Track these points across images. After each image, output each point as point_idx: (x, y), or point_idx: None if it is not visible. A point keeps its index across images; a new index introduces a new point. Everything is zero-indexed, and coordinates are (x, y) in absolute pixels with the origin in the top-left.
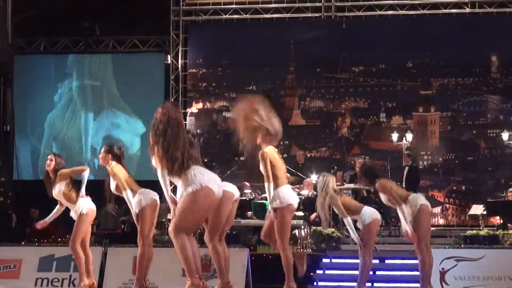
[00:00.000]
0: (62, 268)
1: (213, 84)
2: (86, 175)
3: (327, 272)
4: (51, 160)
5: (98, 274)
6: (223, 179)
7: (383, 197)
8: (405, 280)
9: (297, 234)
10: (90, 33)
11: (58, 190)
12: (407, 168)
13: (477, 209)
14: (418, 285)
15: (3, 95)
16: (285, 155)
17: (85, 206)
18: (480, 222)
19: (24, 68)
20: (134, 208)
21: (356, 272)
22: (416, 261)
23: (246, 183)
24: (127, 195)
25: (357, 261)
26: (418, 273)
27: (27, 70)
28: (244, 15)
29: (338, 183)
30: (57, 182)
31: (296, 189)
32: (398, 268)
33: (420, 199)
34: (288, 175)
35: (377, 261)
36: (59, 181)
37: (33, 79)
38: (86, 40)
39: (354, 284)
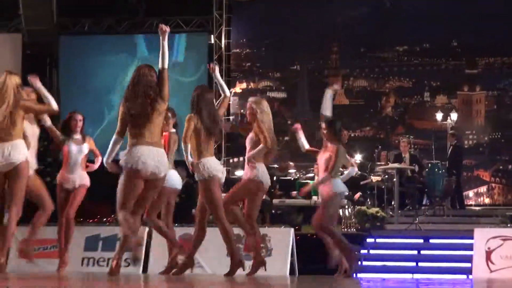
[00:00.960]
0: (108, 248)
1: (257, 64)
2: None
3: (371, 251)
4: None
5: (143, 254)
6: None
7: (324, 156)
8: (449, 260)
9: (341, 214)
10: (134, 13)
11: None
12: (451, 147)
13: None
14: (462, 264)
15: (49, 76)
16: None
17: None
18: None
19: (69, 48)
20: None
21: (402, 252)
22: (461, 241)
23: (291, 163)
24: None
25: (402, 240)
26: (462, 252)
27: (72, 50)
28: None
29: (383, 163)
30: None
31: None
32: (443, 248)
33: (339, 187)
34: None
35: (421, 241)
36: None
37: (78, 59)
38: (131, 20)
39: (399, 263)
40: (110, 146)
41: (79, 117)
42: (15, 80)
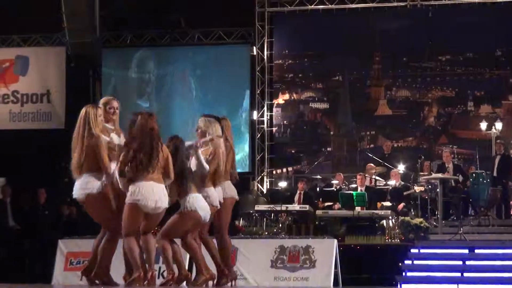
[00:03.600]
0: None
1: (300, 75)
2: None
3: (415, 262)
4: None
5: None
6: (310, 170)
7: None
8: (495, 270)
9: (385, 224)
10: (176, 26)
11: None
12: (499, 157)
13: None
14: (508, 274)
15: (92, 89)
16: (371, 145)
17: None
18: None
19: (112, 61)
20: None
21: (446, 262)
22: (507, 251)
23: (340, 174)
24: None
25: (447, 251)
26: (508, 262)
27: (114, 63)
28: (329, 5)
29: (426, 173)
30: None
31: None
32: (488, 258)
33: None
34: (372, 164)
35: (466, 251)
36: None
37: (120, 72)
38: (172, 33)
39: (444, 274)
40: None
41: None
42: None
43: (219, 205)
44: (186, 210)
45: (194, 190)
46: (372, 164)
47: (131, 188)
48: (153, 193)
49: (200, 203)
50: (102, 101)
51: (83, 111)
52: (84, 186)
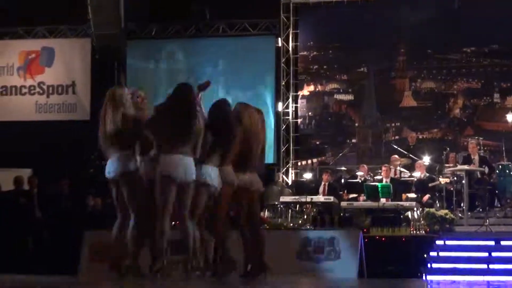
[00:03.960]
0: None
1: (324, 67)
2: None
3: (441, 254)
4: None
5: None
6: (335, 162)
7: None
8: None
9: (410, 216)
10: (201, 18)
11: None
12: None
13: None
14: None
15: (117, 81)
16: (396, 137)
17: None
18: None
19: (137, 53)
20: None
21: (472, 254)
22: None
23: (364, 166)
24: None
25: (473, 242)
26: None
27: (139, 55)
28: None
29: (451, 165)
30: None
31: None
32: None
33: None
34: (396, 156)
35: (492, 243)
36: None
37: (145, 64)
38: (197, 24)
39: (469, 265)
40: None
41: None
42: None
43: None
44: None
45: None
46: (396, 156)
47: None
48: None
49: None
50: (127, 91)
51: (109, 91)
52: (119, 164)
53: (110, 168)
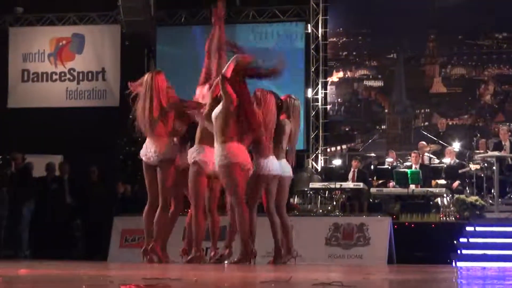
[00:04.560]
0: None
1: (354, 53)
2: None
3: (471, 240)
4: None
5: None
6: (364, 148)
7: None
8: None
9: (439, 202)
10: (231, 4)
11: None
12: None
13: None
14: None
15: (147, 67)
16: (426, 123)
17: None
18: None
19: (166, 39)
20: None
21: (502, 240)
22: None
23: (392, 152)
24: None
25: (503, 229)
26: None
27: (169, 42)
28: None
29: (481, 151)
30: None
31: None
32: None
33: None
34: (424, 142)
35: None
36: None
37: (174, 51)
38: (227, 10)
39: (500, 252)
40: None
41: None
42: (159, 77)
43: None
44: None
45: None
46: (423, 142)
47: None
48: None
49: None
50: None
51: (148, 76)
52: (160, 149)
53: (150, 153)
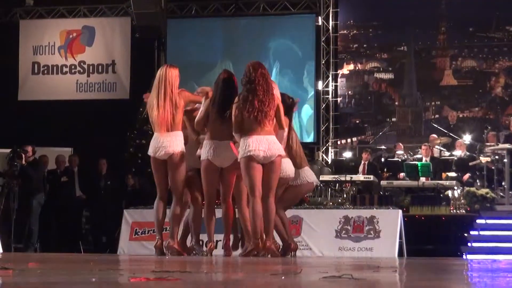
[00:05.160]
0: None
1: (364, 45)
2: None
3: (481, 233)
4: None
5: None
6: (375, 141)
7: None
8: None
9: (450, 195)
10: None
11: None
12: None
13: None
14: None
15: (157, 60)
16: (436, 116)
17: None
18: None
19: (177, 32)
20: None
21: None
22: None
23: (400, 144)
24: None
25: None
26: None
27: (179, 34)
28: None
29: (492, 143)
30: None
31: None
32: None
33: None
34: (435, 135)
35: None
36: None
37: (185, 43)
38: (237, 3)
39: (510, 244)
40: None
41: None
42: (174, 72)
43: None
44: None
45: None
46: (434, 135)
47: None
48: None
49: None
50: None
51: (162, 70)
52: (170, 144)
53: (159, 148)
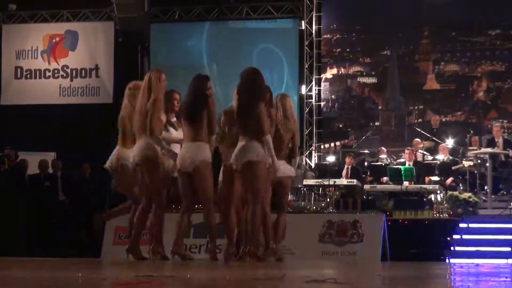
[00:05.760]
0: (199, 235)
1: (347, 50)
2: None
3: (464, 237)
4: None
5: None
6: (358, 145)
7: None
8: None
9: (433, 199)
10: (224, 1)
11: None
12: None
13: None
14: None
15: (141, 64)
16: (419, 120)
17: None
18: None
19: (160, 36)
20: None
21: (496, 237)
22: None
23: (383, 148)
24: None
25: (496, 225)
26: None
27: (162, 39)
28: None
29: (475, 147)
30: None
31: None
32: None
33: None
34: (418, 139)
35: None
36: None
37: (168, 47)
38: (220, 7)
39: (493, 248)
40: None
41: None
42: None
43: None
44: None
45: None
46: (418, 139)
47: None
48: None
49: None
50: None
51: (147, 76)
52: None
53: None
